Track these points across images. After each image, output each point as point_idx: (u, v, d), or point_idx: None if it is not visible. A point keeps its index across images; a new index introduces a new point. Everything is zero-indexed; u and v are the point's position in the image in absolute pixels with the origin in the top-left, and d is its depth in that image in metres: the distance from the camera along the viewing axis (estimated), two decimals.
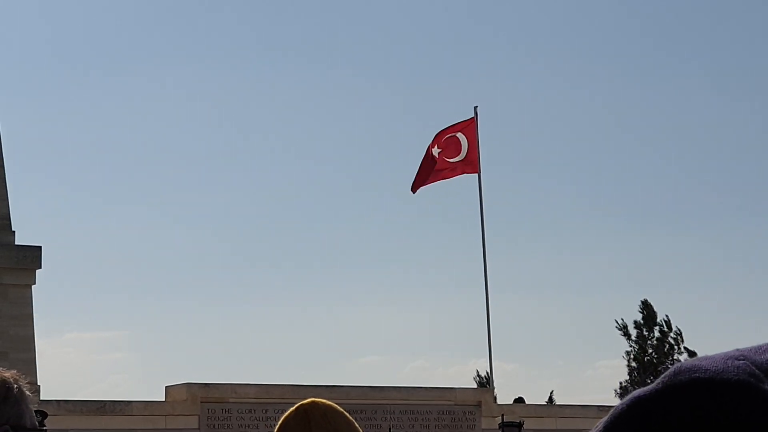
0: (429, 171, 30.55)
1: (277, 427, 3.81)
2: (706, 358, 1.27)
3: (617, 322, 51.88)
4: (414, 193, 30.95)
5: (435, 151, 30.52)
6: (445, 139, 30.57)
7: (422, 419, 28.04)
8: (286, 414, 3.82)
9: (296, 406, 3.81)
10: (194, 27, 58.56)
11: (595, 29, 61.69)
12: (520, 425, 20.50)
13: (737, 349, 1.28)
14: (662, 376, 1.26)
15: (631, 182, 59.73)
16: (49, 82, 55.85)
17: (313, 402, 3.83)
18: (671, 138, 60.34)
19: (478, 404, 28.74)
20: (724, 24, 62.31)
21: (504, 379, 79.05)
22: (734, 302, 62.16)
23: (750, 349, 1.28)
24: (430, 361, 62.86)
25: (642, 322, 51.62)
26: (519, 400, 30.22)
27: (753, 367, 1.23)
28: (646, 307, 51.46)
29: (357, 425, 3.91)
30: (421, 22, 60.51)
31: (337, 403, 3.91)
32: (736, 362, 1.24)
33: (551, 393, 54.41)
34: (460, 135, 30.62)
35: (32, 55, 54.80)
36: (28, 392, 2.50)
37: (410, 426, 27.18)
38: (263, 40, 59.19)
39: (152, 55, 57.38)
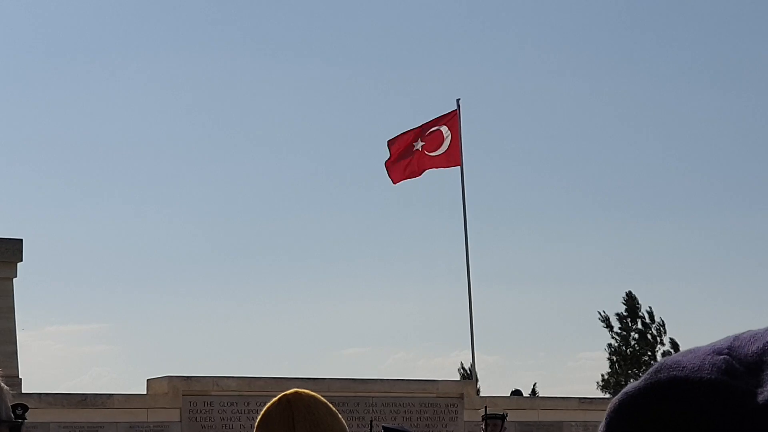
0: (409, 164, 30.49)
1: (259, 417, 3.79)
2: (690, 352, 1.25)
3: (600, 314, 51.99)
4: (395, 183, 30.91)
5: (419, 144, 30.47)
6: (429, 133, 30.53)
7: (404, 411, 28.05)
8: (269, 404, 3.80)
9: (279, 396, 3.79)
10: (174, 18, 58.42)
11: (578, 18, 61.75)
12: (503, 417, 20.49)
13: (734, 336, 1.26)
14: (647, 372, 1.25)
15: (617, 173, 59.88)
16: (28, 72, 55.67)
17: (296, 392, 3.81)
18: (655, 129, 60.48)
19: (461, 396, 28.76)
20: (703, 9, 62.48)
21: (485, 371, 79.16)
22: (718, 294, 62.40)
23: (744, 337, 1.25)
24: (412, 353, 62.92)
25: (625, 314, 51.71)
26: (516, 392, 30.18)
27: (733, 362, 1.21)
28: (630, 299, 51.56)
29: (340, 416, 3.90)
30: (402, 12, 60.49)
31: None
32: (717, 357, 1.22)
33: (534, 385, 54.52)
34: (443, 128, 30.60)
35: (10, 46, 54.58)
36: (3, 384, 2.47)
37: (392, 418, 27.17)
38: (242, 31, 59.08)
39: (134, 46, 57.24)
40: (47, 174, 53.61)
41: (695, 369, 1.21)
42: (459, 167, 30.49)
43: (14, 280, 27.56)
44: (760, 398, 1.16)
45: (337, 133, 58.63)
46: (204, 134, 56.51)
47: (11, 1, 51.99)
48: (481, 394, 31.64)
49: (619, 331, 51.84)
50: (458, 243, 30.78)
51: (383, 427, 16.29)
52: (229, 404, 26.36)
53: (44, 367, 51.44)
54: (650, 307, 51.56)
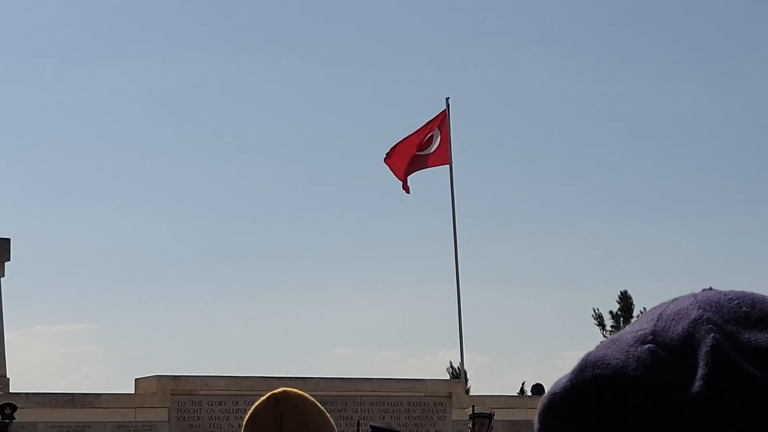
0: (409, 165, 30.46)
1: (248, 416, 3.79)
2: (614, 342, 1.20)
3: (594, 311, 52.03)
4: (405, 188, 30.71)
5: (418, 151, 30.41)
6: (424, 136, 30.53)
7: (393, 410, 28.07)
8: (257, 403, 3.80)
9: (267, 395, 3.80)
10: (167, 20, 58.36)
11: (566, 16, 61.82)
12: (490, 416, 20.51)
13: (657, 315, 1.20)
14: (573, 369, 1.20)
15: (608, 171, 59.91)
16: (16, 73, 55.52)
17: (284, 391, 3.82)
18: (647, 127, 60.56)
19: (449, 395, 28.79)
20: (692, 7, 62.59)
21: (474, 371, 79.26)
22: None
23: (668, 315, 1.20)
24: (400, 352, 62.94)
25: (618, 313, 51.76)
26: (537, 387, 30.01)
27: (659, 351, 1.16)
28: (624, 298, 51.61)
29: (328, 415, 3.90)
30: (391, 11, 60.49)
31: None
32: (641, 348, 1.16)
33: (522, 384, 54.56)
34: (432, 127, 30.63)
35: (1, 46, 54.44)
36: None
37: (381, 417, 27.18)
38: (235, 34, 59.01)
39: (125, 47, 57.14)
40: (35, 174, 53.52)
41: (620, 365, 1.16)
42: (448, 166, 30.51)
43: (1, 279, 27.51)
44: (689, 390, 1.12)
45: (324, 134, 58.63)
46: (192, 133, 56.47)
47: (1, 1, 51.86)
48: (471, 394, 31.66)
49: (611, 329, 51.87)
50: (447, 242, 30.81)
51: (371, 426, 16.34)
52: (217, 403, 26.36)
53: (32, 367, 51.32)
54: (645, 308, 51.68)
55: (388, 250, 56.63)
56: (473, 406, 20.92)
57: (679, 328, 1.17)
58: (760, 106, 60.95)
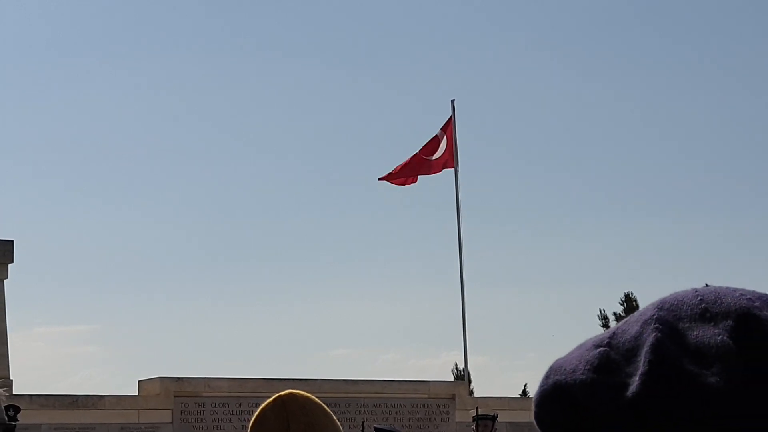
0: (412, 170, 30.46)
1: (254, 418, 3.78)
2: (578, 347, 1.24)
3: (600, 311, 52.02)
4: (403, 185, 30.73)
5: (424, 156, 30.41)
6: (430, 141, 30.55)
7: (396, 412, 28.05)
8: (263, 405, 3.79)
9: (273, 397, 3.79)
10: (169, 19, 58.36)
11: (572, 17, 61.79)
12: (494, 418, 20.48)
13: (625, 320, 1.23)
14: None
15: (614, 173, 59.82)
16: (19, 73, 55.55)
17: (290, 393, 3.80)
18: (653, 128, 60.47)
19: (452, 397, 28.77)
20: (701, 7, 62.57)
21: (477, 372, 79.15)
22: None
23: (632, 319, 1.22)
24: (401, 353, 62.89)
25: (623, 315, 51.73)
26: None
27: (610, 354, 1.19)
28: (628, 300, 51.59)
29: (334, 417, 3.89)
30: (397, 13, 60.49)
31: None
32: (593, 353, 1.20)
33: (525, 386, 54.51)
34: (439, 132, 30.66)
35: (2, 48, 54.48)
36: None
37: (384, 419, 27.16)
38: (237, 33, 59.01)
39: (129, 47, 57.15)
40: (39, 176, 53.53)
41: (572, 371, 1.20)
42: (453, 168, 30.53)
43: (5, 281, 27.52)
44: (628, 392, 1.14)
45: (328, 134, 58.62)
46: (194, 134, 56.49)
47: (3, 2, 51.88)
48: (474, 395, 31.64)
49: None
50: (452, 243, 30.80)
51: (375, 428, 16.28)
52: (220, 405, 26.35)
53: (35, 369, 51.33)
54: None
55: (392, 251, 56.63)
56: (477, 408, 20.89)
57: (633, 330, 1.19)
58: None
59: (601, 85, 60.61)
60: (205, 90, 57.24)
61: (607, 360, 1.18)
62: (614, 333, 1.21)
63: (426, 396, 28.61)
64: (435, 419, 28.49)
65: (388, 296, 58.17)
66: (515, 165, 59.47)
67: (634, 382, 1.14)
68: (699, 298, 1.19)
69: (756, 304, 1.16)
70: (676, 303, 1.20)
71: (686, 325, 1.16)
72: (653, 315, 1.19)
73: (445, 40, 59.69)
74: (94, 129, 54.53)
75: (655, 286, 57.35)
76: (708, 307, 1.17)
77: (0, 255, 27.21)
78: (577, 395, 1.19)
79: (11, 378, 26.17)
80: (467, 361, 30.55)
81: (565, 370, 1.21)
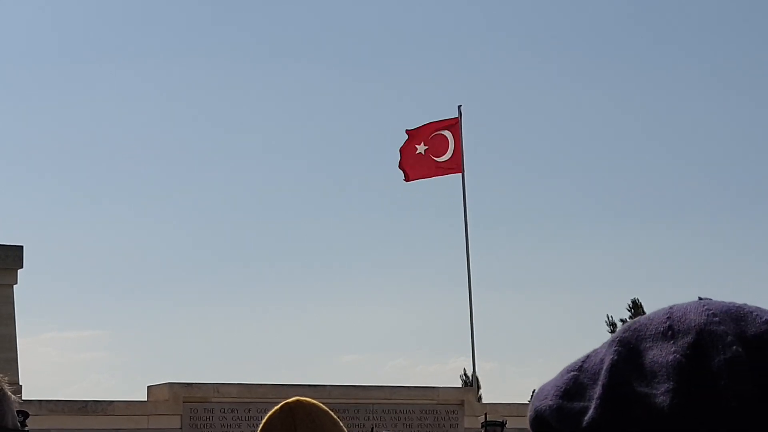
0: (415, 165, 30.53)
1: (261, 425, 3.79)
2: (558, 373, 1.27)
3: (608, 317, 51.95)
4: (406, 181, 30.83)
5: (421, 148, 30.51)
6: (432, 137, 30.60)
7: (405, 418, 28.04)
8: (271, 412, 3.80)
9: (281, 404, 3.80)
10: (174, 21, 58.46)
11: (579, 23, 61.80)
12: (503, 424, 20.50)
13: (597, 347, 1.25)
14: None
15: (621, 178, 59.72)
16: (29, 77, 55.67)
17: (298, 401, 3.81)
18: (662, 134, 60.42)
19: (461, 403, 28.75)
20: (707, 14, 62.52)
21: (485, 378, 79.10)
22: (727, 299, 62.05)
23: (605, 344, 1.24)
24: (409, 359, 62.82)
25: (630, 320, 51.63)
26: None
27: (580, 377, 1.21)
28: (635, 307, 51.47)
29: (342, 424, 3.90)
30: (404, 18, 60.53)
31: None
32: (564, 378, 1.23)
33: (533, 392, 54.41)
34: (446, 133, 30.66)
35: (9, 50, 54.61)
36: (9, 392, 2.46)
37: (393, 425, 27.17)
38: (244, 35, 59.12)
39: (136, 50, 57.24)
40: (48, 182, 53.61)
41: (544, 396, 1.23)
42: (460, 173, 30.56)
43: (14, 287, 27.56)
44: (587, 416, 1.17)
45: (336, 139, 58.64)
46: (204, 139, 56.55)
47: (10, 5, 52.01)
48: (483, 401, 31.62)
49: None
50: (459, 248, 30.80)
51: None
52: (229, 411, 26.36)
53: (43, 374, 51.37)
54: None
55: (400, 258, 56.58)
56: (485, 414, 20.89)
57: (601, 353, 1.22)
58: None
59: (608, 91, 60.57)
60: (207, 93, 57.31)
61: (575, 384, 1.20)
62: (588, 356, 1.23)
63: (435, 402, 28.59)
64: (444, 425, 28.46)
65: (396, 302, 58.14)
66: (522, 170, 59.43)
67: (592, 406, 1.17)
68: (667, 315, 1.20)
69: (716, 319, 1.17)
70: (645, 322, 1.21)
71: (648, 345, 1.18)
72: (617, 337, 1.21)
73: (452, 45, 59.71)
74: (103, 134, 54.62)
75: (662, 292, 57.29)
76: (672, 324, 1.18)
77: (10, 260, 27.25)
78: (550, 420, 1.22)
79: (20, 383, 26.20)
80: (476, 367, 30.53)
81: (541, 396, 1.25)
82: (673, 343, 1.16)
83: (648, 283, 61.82)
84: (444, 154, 30.55)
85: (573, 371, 1.22)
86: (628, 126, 59.93)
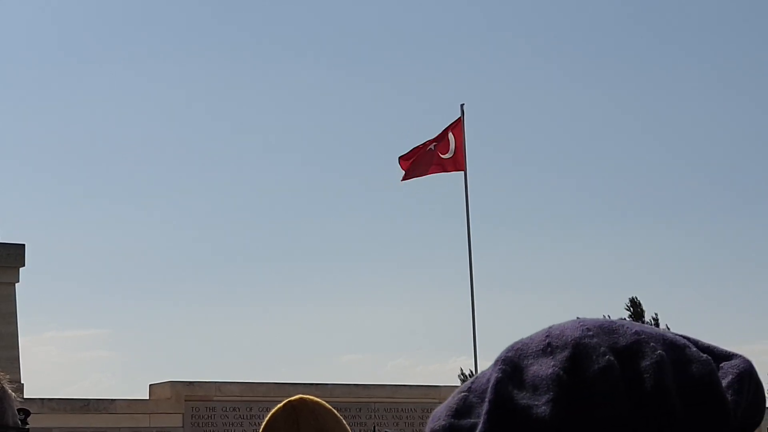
0: (422, 164, 30.56)
1: (264, 423, 3.77)
2: (451, 396, 1.33)
3: (607, 317, 51.91)
4: (402, 181, 30.88)
5: (433, 145, 30.56)
6: (442, 136, 30.68)
7: (406, 417, 28.03)
8: (274, 410, 3.79)
9: (284, 402, 3.78)
10: (176, 20, 58.45)
11: (581, 23, 61.77)
12: None
13: (481, 372, 1.30)
14: None
15: (622, 178, 59.74)
16: (29, 76, 55.67)
17: (301, 399, 3.80)
18: (661, 134, 60.41)
19: None
20: (708, 15, 62.48)
21: None
22: (725, 302, 62.22)
23: (487, 371, 1.30)
24: (411, 358, 62.80)
25: (629, 320, 51.52)
26: None
27: (469, 397, 1.26)
28: (634, 305, 51.38)
29: (345, 422, 3.88)
30: (407, 17, 60.51)
31: None
32: (455, 398, 1.28)
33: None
34: (450, 133, 30.71)
35: (10, 49, 54.61)
36: (10, 390, 2.44)
37: (394, 424, 27.16)
38: (246, 34, 59.11)
39: (138, 49, 57.22)
40: (50, 180, 53.62)
41: (438, 417, 1.29)
42: (462, 172, 30.53)
43: (16, 285, 27.55)
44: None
45: (339, 138, 58.66)
46: (204, 139, 56.54)
47: (10, 5, 52.01)
48: None
49: None
50: (461, 248, 30.75)
51: None
52: (231, 409, 26.35)
53: (45, 372, 51.38)
54: (656, 314, 51.41)
55: (401, 257, 56.60)
56: None
57: (488, 372, 1.29)
58: None
59: (609, 91, 60.55)
60: (220, 93, 57.32)
61: (465, 404, 1.26)
62: (476, 378, 1.30)
63: (437, 401, 28.55)
64: None
65: (397, 301, 58.14)
66: (524, 169, 59.41)
67: (480, 422, 1.23)
68: (546, 334, 1.28)
69: (590, 333, 1.25)
70: (527, 342, 1.28)
71: (529, 362, 1.25)
72: (501, 357, 1.28)
73: (455, 44, 59.70)
74: (104, 134, 54.64)
75: (661, 291, 57.33)
76: (551, 341, 1.26)
77: (11, 259, 27.23)
78: None
79: (22, 382, 26.19)
80: (477, 365, 30.49)
81: (435, 417, 1.30)
82: (552, 357, 1.24)
83: (646, 282, 61.84)
84: (447, 153, 30.56)
85: (463, 392, 1.28)
86: (629, 126, 59.92)
